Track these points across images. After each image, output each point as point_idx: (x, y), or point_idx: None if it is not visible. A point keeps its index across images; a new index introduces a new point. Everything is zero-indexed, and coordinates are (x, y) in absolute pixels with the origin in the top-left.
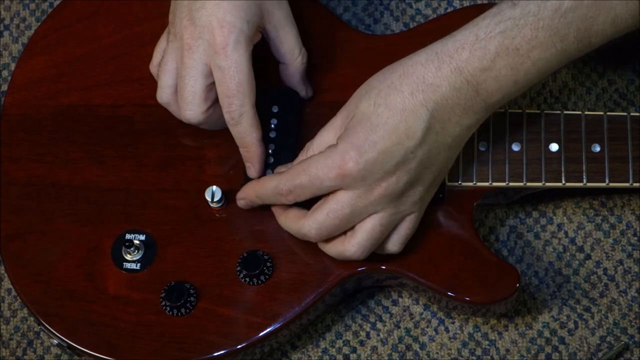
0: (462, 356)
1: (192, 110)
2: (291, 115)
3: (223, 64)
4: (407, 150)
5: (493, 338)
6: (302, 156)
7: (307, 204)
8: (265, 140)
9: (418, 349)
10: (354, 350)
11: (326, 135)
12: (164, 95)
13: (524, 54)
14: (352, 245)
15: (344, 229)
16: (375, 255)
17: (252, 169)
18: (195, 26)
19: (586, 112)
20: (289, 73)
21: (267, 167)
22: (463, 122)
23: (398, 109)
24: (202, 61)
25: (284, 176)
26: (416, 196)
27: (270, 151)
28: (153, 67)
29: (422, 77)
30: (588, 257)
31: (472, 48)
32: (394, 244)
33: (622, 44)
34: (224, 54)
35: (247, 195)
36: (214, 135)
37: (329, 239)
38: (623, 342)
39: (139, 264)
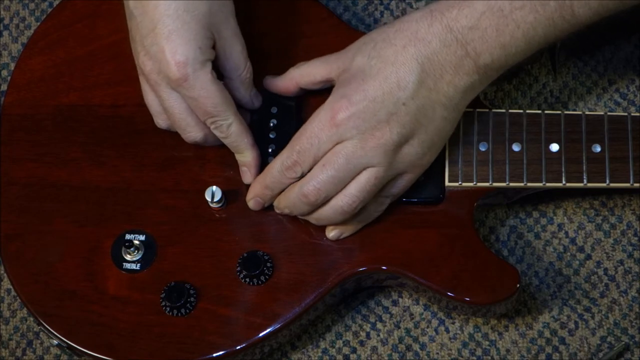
0: (462, 356)
1: (191, 132)
2: (290, 116)
3: (190, 95)
4: (398, 100)
5: (493, 338)
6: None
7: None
8: (265, 140)
9: (418, 349)
10: (354, 350)
11: (318, 69)
12: (160, 122)
13: (507, 14)
14: (345, 196)
15: (341, 184)
16: (376, 255)
17: (248, 173)
18: (152, 60)
19: (586, 112)
20: (233, 86)
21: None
22: (456, 83)
23: (390, 61)
24: (172, 90)
25: (285, 151)
26: (412, 156)
27: (270, 150)
28: None
29: (415, 32)
30: (588, 257)
31: (460, 6)
32: (382, 204)
33: (622, 44)
34: (187, 86)
35: (255, 192)
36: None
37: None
38: (623, 343)
39: (139, 264)
